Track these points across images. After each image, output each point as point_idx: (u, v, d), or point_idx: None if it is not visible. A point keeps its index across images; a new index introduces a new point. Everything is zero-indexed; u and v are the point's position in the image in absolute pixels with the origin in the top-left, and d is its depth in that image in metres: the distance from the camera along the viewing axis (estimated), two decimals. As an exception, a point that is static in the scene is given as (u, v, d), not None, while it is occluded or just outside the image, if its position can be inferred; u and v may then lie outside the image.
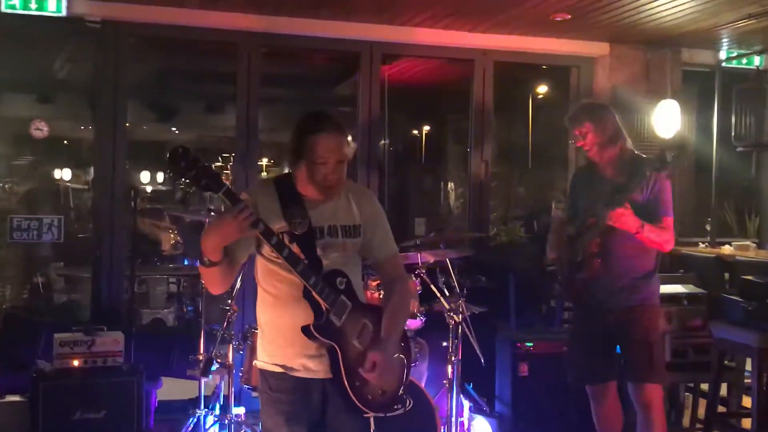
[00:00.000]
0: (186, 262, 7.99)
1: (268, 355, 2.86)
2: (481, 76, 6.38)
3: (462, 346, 4.63)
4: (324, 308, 2.73)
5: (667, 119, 6.27)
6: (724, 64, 6.73)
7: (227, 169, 11.49)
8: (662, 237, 3.79)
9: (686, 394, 5.37)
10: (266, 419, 2.85)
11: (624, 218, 3.67)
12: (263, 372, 2.88)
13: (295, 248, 2.71)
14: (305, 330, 2.72)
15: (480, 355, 4.70)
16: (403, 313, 2.97)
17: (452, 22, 5.90)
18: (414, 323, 4.63)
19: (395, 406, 2.86)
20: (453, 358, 4.58)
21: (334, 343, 2.74)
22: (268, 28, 5.81)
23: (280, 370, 2.82)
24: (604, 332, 3.93)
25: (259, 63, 5.91)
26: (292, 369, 2.80)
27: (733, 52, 6.70)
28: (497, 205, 9.65)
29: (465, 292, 4.68)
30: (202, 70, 8.73)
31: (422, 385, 4.64)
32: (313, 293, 2.71)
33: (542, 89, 9.16)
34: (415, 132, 11.30)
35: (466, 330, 4.64)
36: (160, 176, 13.21)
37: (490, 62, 6.39)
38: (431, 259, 4.84)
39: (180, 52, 7.78)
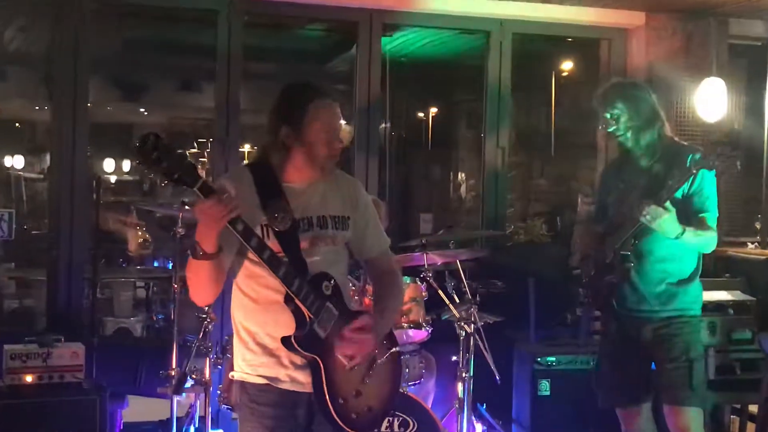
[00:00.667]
0: (156, 264, 8.00)
1: (249, 366, 2.87)
2: (497, 50, 6.37)
3: (474, 361, 4.64)
4: (308, 317, 2.75)
5: (711, 100, 6.26)
6: (777, 37, 6.73)
7: (204, 157, 11.50)
8: (705, 238, 3.79)
9: (732, 416, 5.38)
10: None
11: (662, 221, 3.65)
12: (243, 384, 2.89)
13: (275, 245, 2.74)
14: (285, 342, 2.74)
15: (495, 371, 4.71)
16: (392, 302, 3.06)
17: (464, -14, 5.90)
18: (419, 334, 4.65)
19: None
20: (464, 375, 4.59)
21: (317, 357, 2.76)
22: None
23: (263, 381, 2.83)
24: (638, 346, 3.93)
25: (241, 34, 5.90)
26: (277, 380, 2.82)
27: (788, 23, 6.70)
28: (515, 199, 9.67)
29: (478, 298, 4.70)
30: (175, 41, 8.72)
31: (429, 405, 4.65)
32: (296, 300, 2.73)
33: (567, 66, 9.16)
34: (422, 114, 11.31)
35: (479, 342, 4.65)
36: (126, 164, 13.23)
37: (508, 34, 6.37)
38: (439, 261, 4.85)
39: (150, 21, 7.76)
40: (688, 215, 3.76)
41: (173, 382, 4.51)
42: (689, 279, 3.89)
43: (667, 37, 6.43)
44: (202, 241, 2.62)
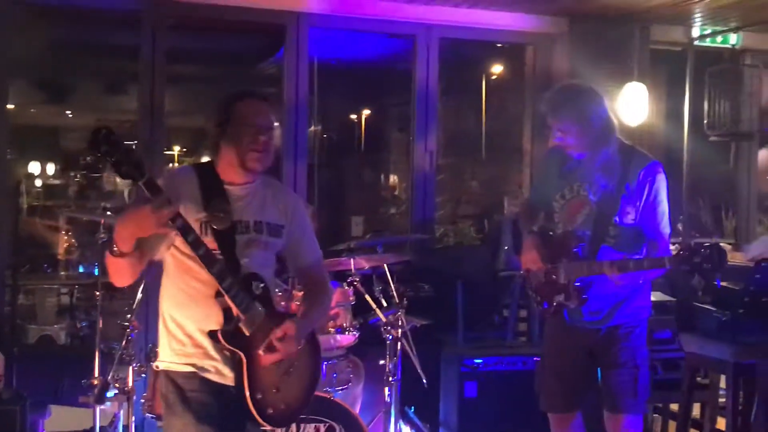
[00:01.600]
0: (81, 269, 7.85)
1: (176, 355, 2.96)
2: (424, 54, 6.40)
3: (402, 365, 4.64)
4: (235, 314, 2.86)
5: (633, 105, 6.38)
6: (696, 43, 6.86)
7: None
8: (658, 269, 3.65)
9: (654, 415, 5.47)
10: (173, 422, 2.93)
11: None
12: (168, 373, 2.97)
13: (211, 243, 2.86)
14: (212, 335, 2.87)
15: (422, 374, 4.71)
16: (318, 309, 3.20)
17: (391, -9, 5.91)
18: (346, 339, 4.63)
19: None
20: (391, 379, 4.59)
21: (240, 352, 2.88)
22: (177, -5, 5.75)
23: (190, 369, 2.93)
24: (584, 353, 3.88)
25: (166, 36, 5.82)
26: (203, 370, 2.93)
27: (706, 30, 6.85)
28: (445, 201, 9.70)
29: (405, 302, 4.70)
30: (101, 43, 8.57)
31: (356, 410, 4.63)
32: (226, 297, 2.84)
33: (497, 69, 9.24)
34: (354, 117, 11.29)
35: (407, 346, 4.65)
36: (51, 168, 12.94)
37: (435, 39, 6.41)
38: (366, 265, 4.84)
39: (74, 22, 7.61)
40: (639, 238, 3.71)
41: (96, 391, 4.42)
42: (638, 291, 3.84)
43: (590, 43, 6.52)
44: (120, 241, 2.73)
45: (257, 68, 9.12)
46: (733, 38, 6.86)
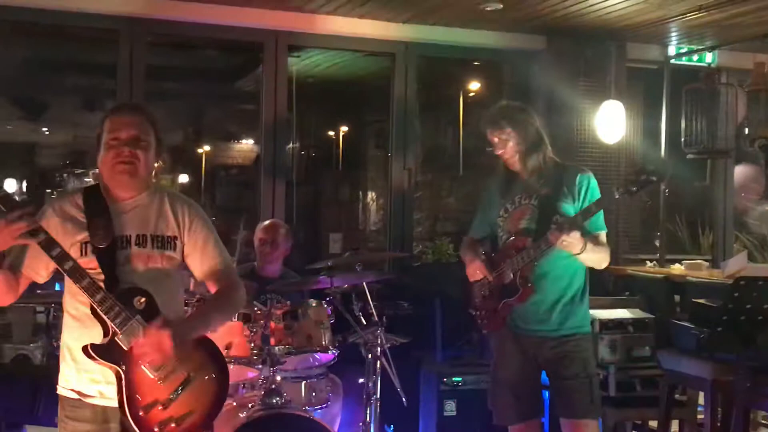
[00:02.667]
0: (58, 287, 7.77)
1: (64, 380, 2.95)
2: (402, 71, 6.43)
3: (381, 384, 4.62)
4: (110, 329, 2.80)
5: (610, 122, 6.43)
6: (673, 61, 6.93)
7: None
8: (603, 255, 3.88)
9: (633, 432, 5.49)
10: None
11: (573, 242, 3.71)
12: (60, 399, 2.96)
13: (91, 262, 2.85)
14: (84, 350, 2.81)
15: (401, 393, 4.70)
16: (219, 306, 3.14)
17: (369, 10, 5.92)
18: (325, 357, 4.60)
19: None
20: (371, 398, 4.57)
21: (117, 367, 2.82)
22: (154, 13, 5.74)
23: (75, 396, 2.91)
24: (533, 364, 3.98)
25: (144, 53, 5.82)
26: (86, 395, 2.90)
27: (683, 48, 6.92)
28: (423, 218, 9.71)
29: (384, 320, 4.68)
30: (78, 60, 8.55)
31: (335, 429, 4.61)
32: (99, 311, 2.79)
33: (474, 86, 9.27)
34: (331, 133, 11.29)
35: (386, 364, 4.64)
36: (26, 185, 12.83)
37: (413, 56, 6.44)
38: (345, 284, 4.83)
39: (51, 39, 7.59)
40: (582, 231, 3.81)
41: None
42: (582, 296, 3.96)
43: (567, 61, 6.58)
44: None
45: (235, 85, 9.10)
46: (709, 57, 6.93)
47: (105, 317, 2.79)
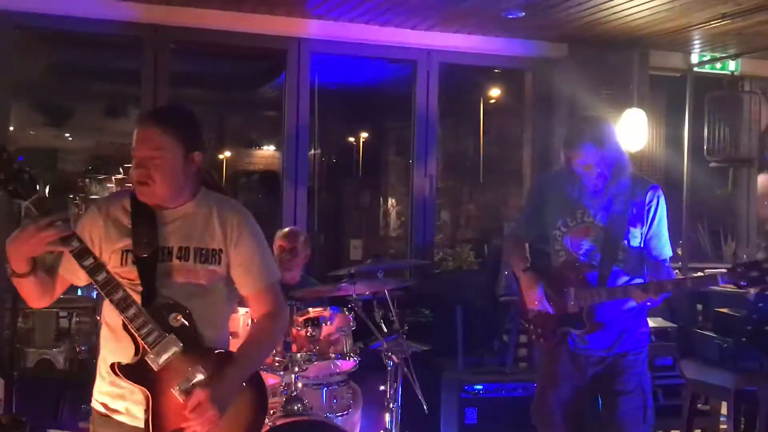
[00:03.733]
0: (80, 293, 7.82)
1: (97, 393, 2.81)
2: (424, 78, 6.44)
3: (402, 391, 4.62)
4: (141, 347, 2.65)
5: (632, 130, 6.40)
6: (696, 69, 6.90)
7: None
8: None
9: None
10: None
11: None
12: (92, 412, 2.83)
13: (131, 273, 2.69)
14: (112, 368, 2.66)
15: (422, 400, 4.69)
16: (257, 348, 2.90)
17: (392, 18, 5.94)
18: (347, 365, 4.61)
19: None
20: (391, 405, 4.56)
21: (145, 389, 2.66)
22: (178, 21, 5.78)
23: (104, 411, 2.78)
24: (586, 383, 3.83)
25: (167, 60, 5.86)
26: (116, 412, 2.76)
27: (705, 56, 6.89)
28: (444, 225, 9.71)
29: (406, 327, 4.68)
30: (102, 67, 8.61)
31: (356, 436, 4.62)
32: (131, 328, 2.64)
33: (495, 93, 9.28)
34: (352, 140, 11.33)
35: (407, 372, 4.63)
36: (48, 191, 12.93)
37: (435, 63, 6.45)
38: (367, 291, 4.83)
39: (75, 46, 7.66)
40: (642, 259, 3.73)
41: (95, 416, 4.39)
42: (640, 312, 3.82)
43: (589, 68, 6.54)
44: (13, 262, 2.65)
45: (258, 92, 9.15)
46: (732, 65, 6.90)
47: (136, 334, 2.64)
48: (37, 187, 2.59)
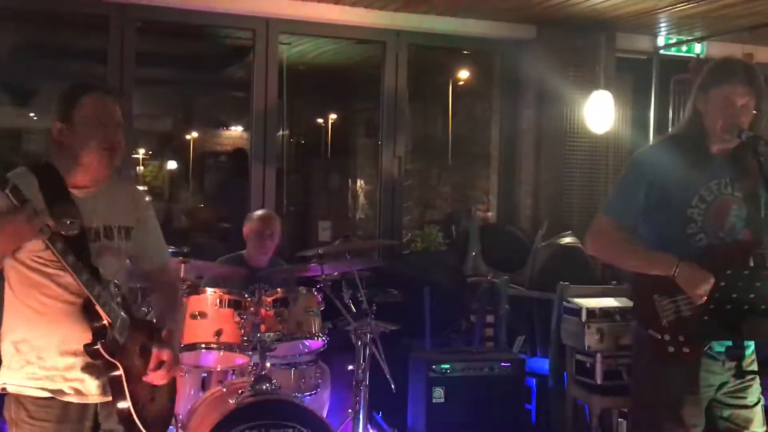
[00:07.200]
0: None
1: (28, 378, 2.76)
2: (393, 60, 6.44)
3: (370, 370, 4.65)
4: (108, 323, 2.71)
5: (599, 112, 6.46)
6: (662, 52, 6.97)
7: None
8: None
9: (620, 420, 5.52)
10: None
11: None
12: (18, 397, 2.77)
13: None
14: (89, 349, 2.69)
15: (390, 379, 4.73)
16: (176, 318, 3.12)
17: (360, -2, 5.94)
18: (315, 344, 4.64)
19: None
20: (360, 385, 4.60)
21: (119, 363, 2.73)
22: (144, -1, 5.75)
23: (46, 394, 2.75)
24: (711, 396, 3.26)
25: (134, 39, 5.81)
26: (61, 393, 2.75)
27: (672, 39, 6.96)
28: (412, 206, 9.73)
29: (374, 307, 4.71)
30: (67, 46, 8.52)
31: (323, 415, 4.64)
32: (97, 307, 2.68)
33: (464, 75, 9.28)
34: (320, 121, 11.30)
35: (375, 351, 4.67)
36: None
37: (404, 45, 6.45)
38: (335, 272, 4.86)
39: (40, 25, 7.57)
40: None
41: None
42: None
43: (557, 51, 6.59)
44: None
45: (225, 72, 9.10)
46: (697, 48, 6.96)
47: (102, 312, 2.68)
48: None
